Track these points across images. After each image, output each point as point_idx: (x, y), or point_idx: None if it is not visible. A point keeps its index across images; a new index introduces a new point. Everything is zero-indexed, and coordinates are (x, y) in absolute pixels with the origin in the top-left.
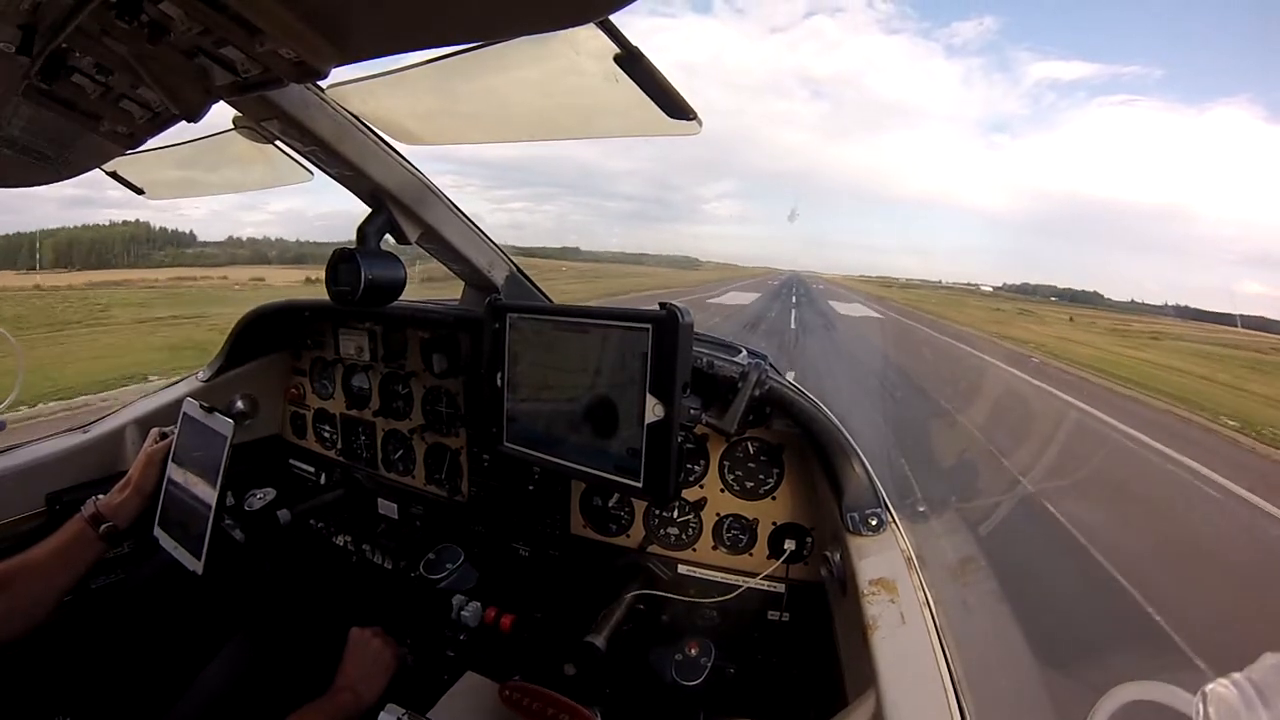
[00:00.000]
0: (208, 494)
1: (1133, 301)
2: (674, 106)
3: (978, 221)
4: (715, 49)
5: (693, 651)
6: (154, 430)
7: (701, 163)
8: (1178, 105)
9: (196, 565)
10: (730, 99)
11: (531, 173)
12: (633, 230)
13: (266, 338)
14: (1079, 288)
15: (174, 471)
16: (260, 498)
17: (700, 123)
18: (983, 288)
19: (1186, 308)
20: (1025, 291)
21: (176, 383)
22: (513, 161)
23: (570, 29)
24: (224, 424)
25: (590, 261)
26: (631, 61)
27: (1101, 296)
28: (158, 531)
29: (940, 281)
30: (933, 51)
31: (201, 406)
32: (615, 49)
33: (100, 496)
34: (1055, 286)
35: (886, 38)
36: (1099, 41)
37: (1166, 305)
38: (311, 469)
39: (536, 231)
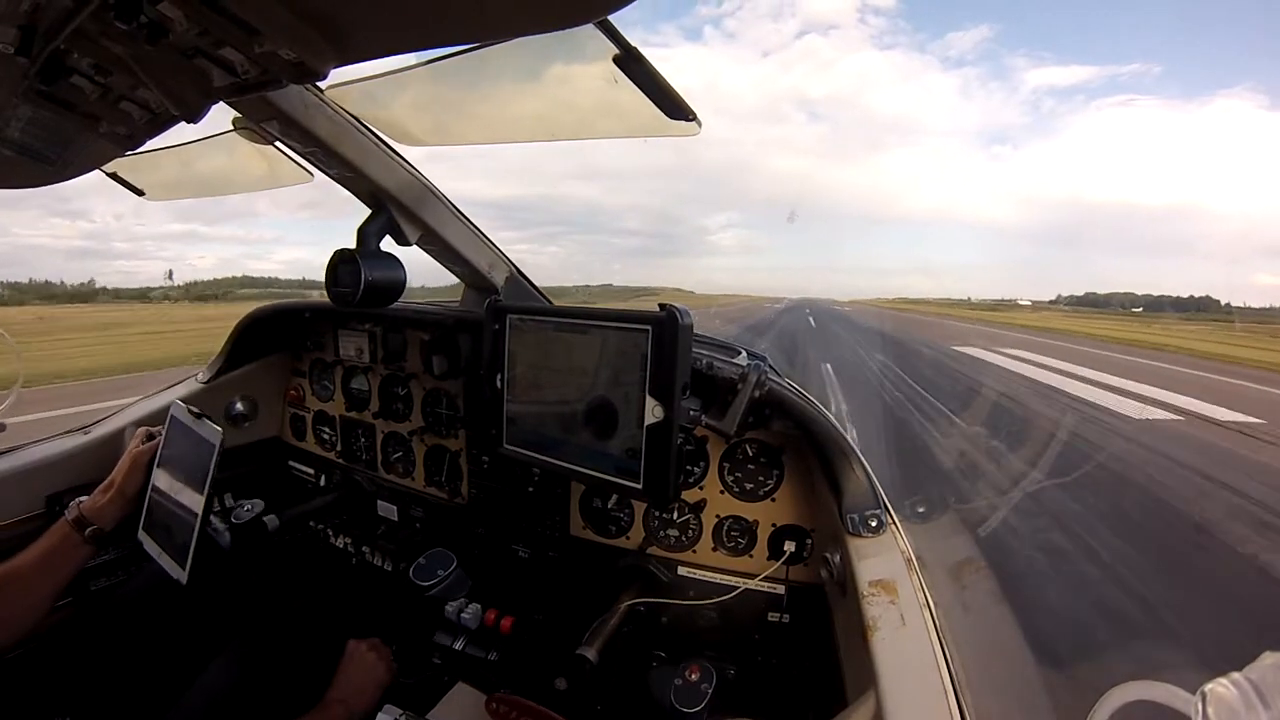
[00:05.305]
0: (194, 501)
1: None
2: (673, 107)
3: (987, 235)
4: (709, 77)
5: (693, 676)
6: (141, 429)
7: (703, 194)
8: (1178, 101)
9: (181, 574)
10: (727, 127)
11: (538, 211)
12: (635, 266)
13: (266, 339)
14: (1181, 294)
15: (160, 476)
16: (248, 510)
17: (700, 123)
18: (1020, 301)
19: None
20: (1095, 304)
21: (176, 385)
22: (517, 201)
23: (569, 30)
24: (212, 431)
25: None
26: (630, 62)
27: (1217, 303)
28: (142, 535)
29: (969, 298)
30: (928, 65)
31: (190, 411)
32: (614, 50)
33: (84, 499)
34: (1134, 294)
35: (880, 53)
36: (1094, 43)
37: None
38: (311, 471)
39: (537, 274)
